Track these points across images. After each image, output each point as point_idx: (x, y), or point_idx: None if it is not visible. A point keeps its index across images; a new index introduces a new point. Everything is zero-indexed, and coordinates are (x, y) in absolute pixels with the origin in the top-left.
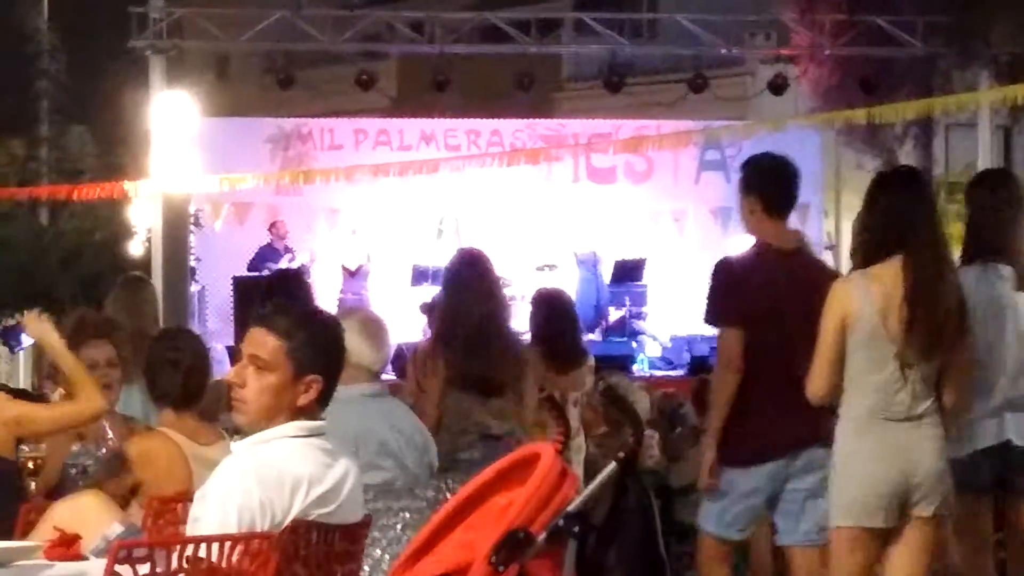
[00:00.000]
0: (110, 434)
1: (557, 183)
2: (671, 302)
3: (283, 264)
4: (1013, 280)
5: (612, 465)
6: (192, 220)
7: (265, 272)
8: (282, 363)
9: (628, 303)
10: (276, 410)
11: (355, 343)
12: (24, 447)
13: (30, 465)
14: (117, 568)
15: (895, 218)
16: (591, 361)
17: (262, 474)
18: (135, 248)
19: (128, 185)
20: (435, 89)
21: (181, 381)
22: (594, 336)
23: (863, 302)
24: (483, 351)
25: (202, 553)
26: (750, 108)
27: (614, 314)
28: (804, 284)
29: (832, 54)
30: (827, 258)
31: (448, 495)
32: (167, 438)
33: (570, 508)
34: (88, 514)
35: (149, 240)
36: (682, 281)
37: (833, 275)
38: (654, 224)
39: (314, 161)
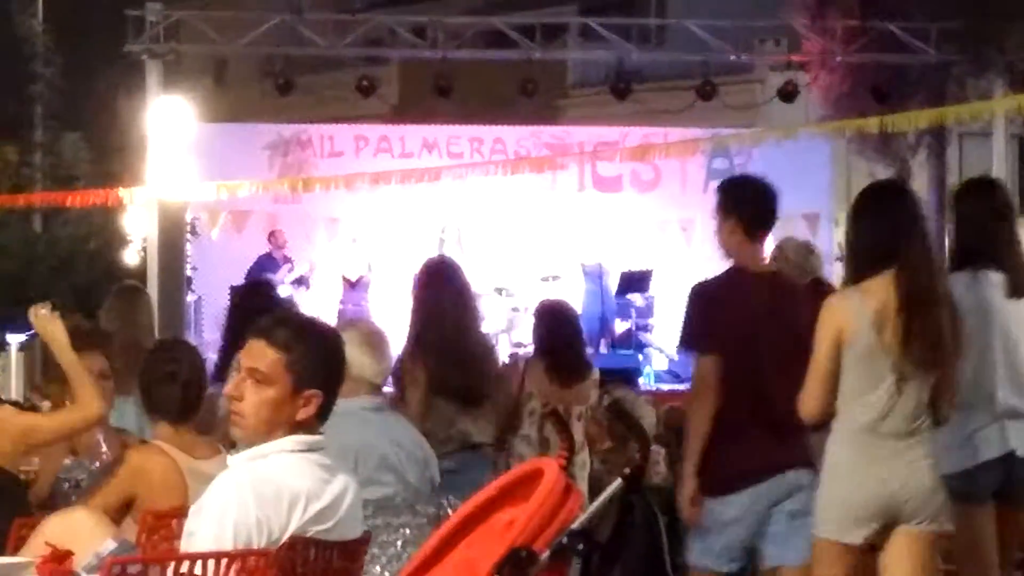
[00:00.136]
0: (104, 447)
1: (562, 192)
2: (679, 314)
3: (282, 274)
4: (1004, 286)
5: (618, 482)
6: (188, 228)
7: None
8: (281, 376)
9: (634, 315)
10: (274, 424)
11: (356, 355)
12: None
13: (22, 478)
14: None
15: (885, 231)
16: (596, 374)
17: (259, 490)
18: (130, 257)
19: (123, 192)
20: (437, 95)
21: (178, 394)
22: (600, 349)
23: (858, 318)
24: (461, 360)
25: (197, 570)
26: (760, 116)
27: (620, 326)
28: (781, 307)
29: (843, 61)
30: (837, 269)
31: (449, 511)
32: (162, 452)
33: (574, 526)
34: (80, 529)
35: (144, 248)
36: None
37: (808, 296)
38: (661, 234)
39: (314, 168)
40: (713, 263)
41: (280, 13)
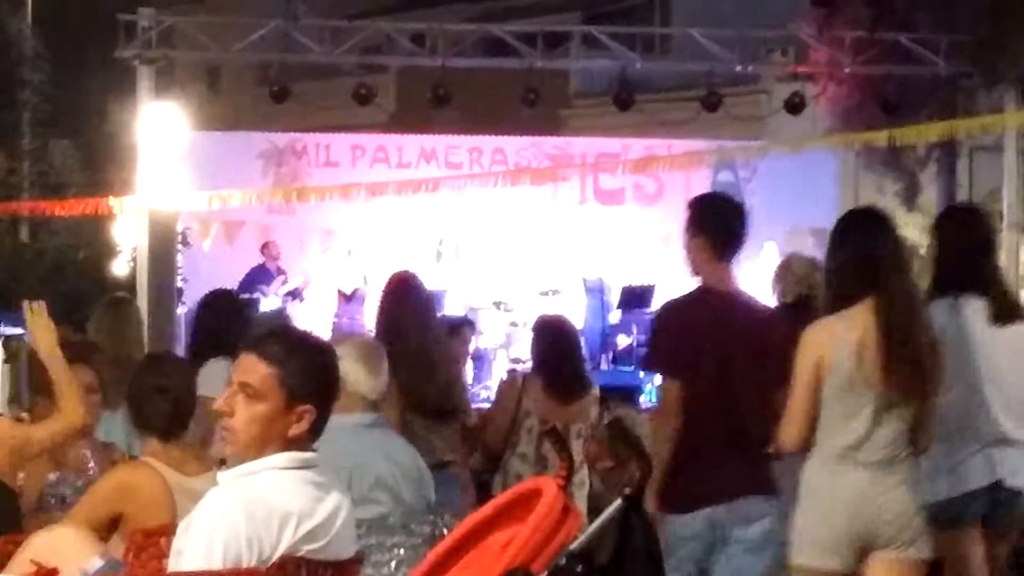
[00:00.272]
0: (91, 463)
1: (563, 204)
2: None
3: (276, 286)
4: (985, 313)
5: (617, 502)
6: (180, 239)
7: (257, 295)
8: (273, 391)
9: (636, 331)
10: (266, 440)
11: (351, 370)
12: None
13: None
14: None
15: (864, 259)
16: (596, 391)
17: (250, 508)
18: (120, 267)
19: (113, 201)
20: (436, 104)
21: (168, 410)
22: (601, 365)
23: (838, 347)
24: (432, 375)
25: None
26: (765, 128)
27: (622, 342)
28: (747, 328)
29: (852, 72)
30: None
31: (444, 531)
32: (151, 469)
33: (573, 547)
34: (67, 547)
35: (134, 259)
36: None
37: (775, 318)
38: (664, 248)
39: (308, 178)
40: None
41: (275, 19)
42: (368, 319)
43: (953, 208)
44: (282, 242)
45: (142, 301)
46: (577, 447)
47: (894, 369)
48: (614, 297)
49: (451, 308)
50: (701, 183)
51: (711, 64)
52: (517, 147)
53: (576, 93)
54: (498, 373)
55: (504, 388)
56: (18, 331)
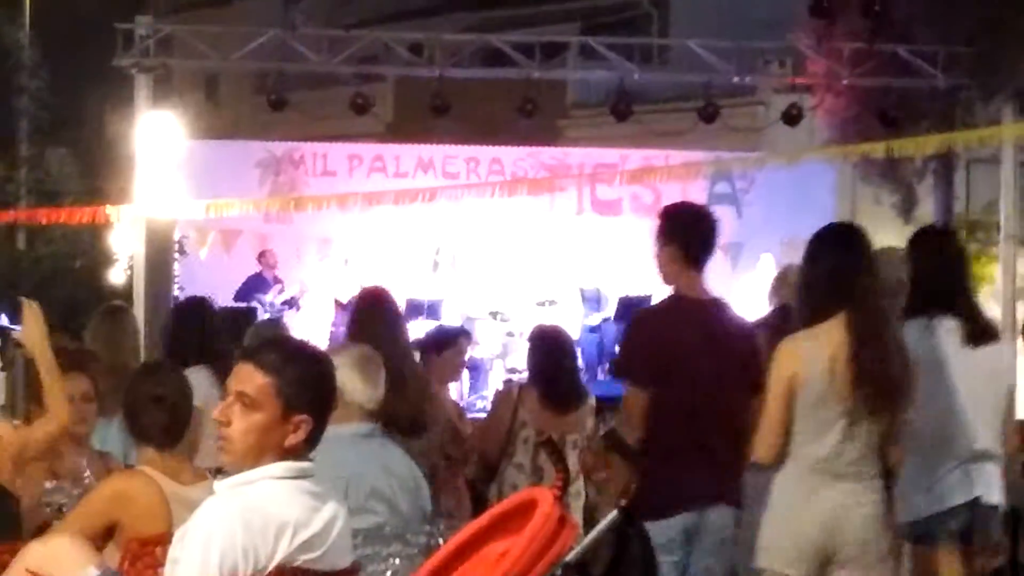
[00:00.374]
0: (87, 472)
1: (560, 215)
2: None
3: (272, 295)
4: (960, 333)
5: (614, 513)
6: (177, 247)
7: (254, 304)
8: (270, 401)
9: None
10: (263, 450)
11: (349, 380)
12: None
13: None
14: None
15: (836, 275)
16: (592, 402)
17: (246, 517)
18: (116, 276)
19: (110, 209)
20: (433, 114)
21: (164, 419)
22: (598, 376)
23: (810, 362)
24: (403, 391)
25: None
26: (763, 139)
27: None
28: (718, 336)
29: (850, 84)
30: None
31: (440, 541)
32: (147, 477)
33: (569, 558)
34: (62, 556)
35: (131, 268)
36: None
37: (748, 327)
38: None
39: (306, 187)
40: (713, 287)
41: (273, 28)
42: None
43: (925, 229)
44: (279, 251)
45: (139, 310)
46: (573, 458)
47: (864, 384)
48: (611, 307)
49: (447, 318)
50: (698, 194)
51: (709, 75)
52: (514, 157)
53: (574, 104)
54: (494, 383)
55: (500, 398)
56: (14, 328)
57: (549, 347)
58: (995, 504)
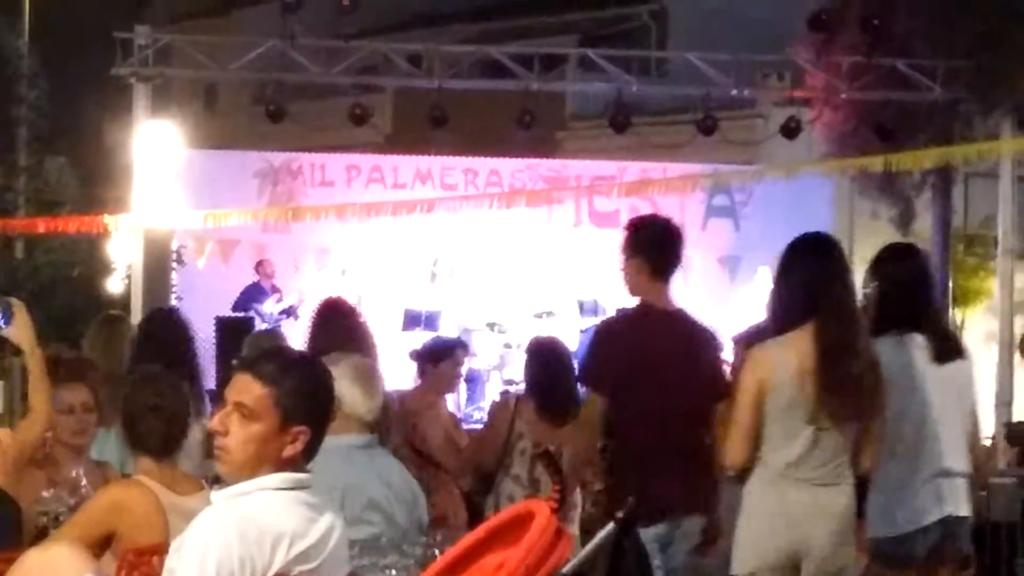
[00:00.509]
0: (84, 481)
1: (558, 226)
2: None
3: (270, 304)
4: (929, 350)
5: (610, 525)
6: (174, 257)
7: (252, 313)
8: (268, 412)
9: None
10: (260, 461)
11: (348, 391)
12: None
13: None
14: None
15: (808, 285)
16: None
17: (243, 528)
18: (114, 285)
19: (108, 219)
20: (432, 125)
21: (162, 428)
22: None
23: (780, 368)
24: None
25: None
26: (761, 152)
27: None
28: (682, 347)
29: (848, 98)
30: None
31: (437, 552)
32: (144, 487)
33: (565, 570)
34: (60, 565)
35: (129, 277)
36: None
37: (713, 337)
38: None
39: (304, 198)
40: (711, 303)
41: (272, 38)
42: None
43: (891, 247)
44: (277, 261)
45: (136, 319)
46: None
47: (831, 392)
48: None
49: (445, 329)
50: (696, 207)
51: (707, 88)
52: (512, 169)
53: (572, 115)
54: (491, 395)
55: (497, 410)
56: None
57: (546, 359)
58: (964, 516)
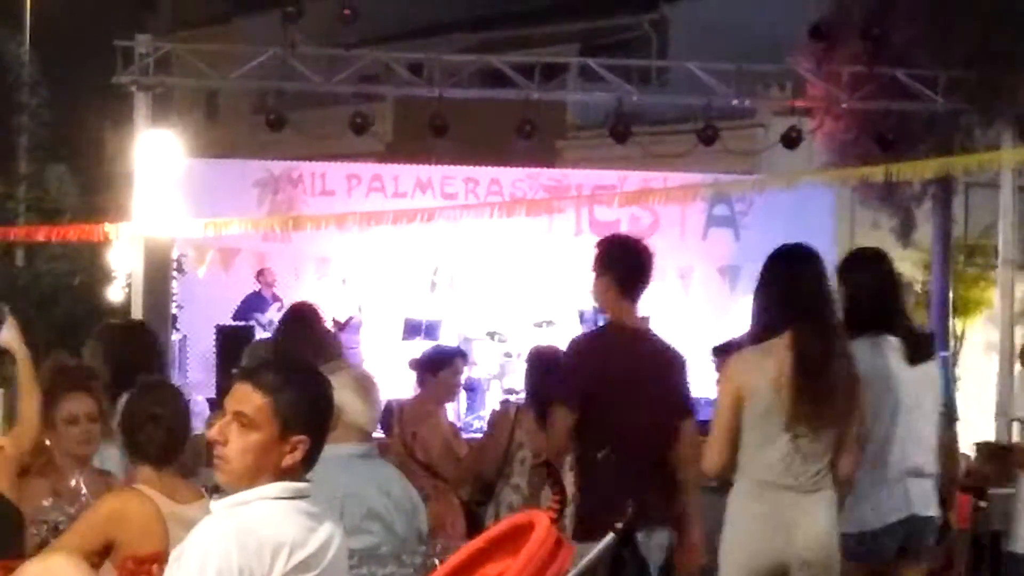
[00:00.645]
0: (84, 490)
1: (558, 235)
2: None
3: (271, 313)
4: (901, 352)
5: (610, 536)
6: (175, 265)
7: (252, 322)
8: (267, 421)
9: None
10: (259, 470)
11: (350, 401)
12: None
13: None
14: None
15: (787, 294)
16: None
17: (242, 538)
18: (114, 293)
19: (109, 227)
20: (432, 134)
21: (163, 438)
22: None
23: (758, 376)
24: None
25: None
26: (762, 162)
27: None
28: (649, 364)
29: (849, 108)
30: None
31: (436, 562)
32: (144, 496)
33: None
34: (58, 574)
35: (129, 285)
36: (687, 341)
37: (678, 356)
38: (658, 281)
39: (304, 206)
40: (712, 312)
41: (273, 47)
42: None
43: (857, 253)
44: (277, 270)
45: None
46: (570, 479)
47: (805, 401)
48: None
49: (445, 338)
50: (697, 216)
51: (708, 97)
52: (513, 178)
53: (573, 125)
54: (491, 404)
55: (497, 419)
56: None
57: (547, 368)
58: (930, 516)
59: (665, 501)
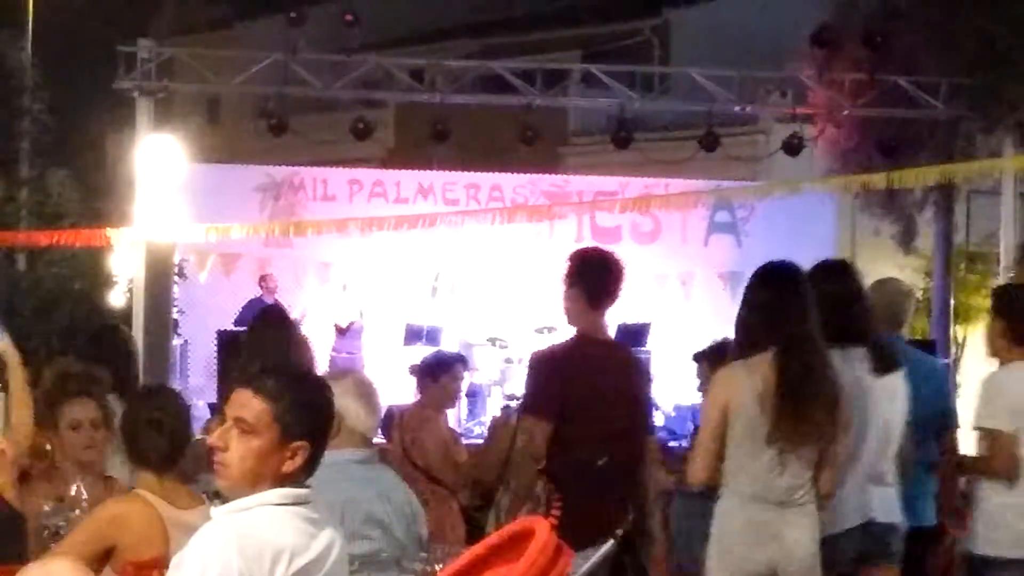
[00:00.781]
0: (84, 495)
1: (559, 241)
2: (676, 369)
3: None
4: (868, 363)
5: (610, 542)
6: (176, 270)
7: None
8: (268, 427)
9: None
10: (260, 476)
11: (351, 407)
12: None
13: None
14: None
15: (771, 312)
16: None
17: (242, 544)
18: (116, 298)
19: (110, 232)
20: (434, 140)
21: (164, 443)
22: None
23: (743, 392)
24: None
25: None
26: (763, 169)
27: None
28: (617, 376)
29: (851, 115)
30: None
31: (437, 567)
32: (144, 501)
33: None
34: None
35: (131, 290)
36: (688, 348)
37: (645, 367)
38: (660, 287)
39: (305, 212)
40: (713, 318)
41: (275, 52)
42: (365, 353)
43: (825, 264)
44: (279, 275)
45: (138, 333)
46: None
47: (786, 417)
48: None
49: (446, 344)
50: (698, 222)
51: (710, 104)
52: (514, 184)
53: (574, 131)
54: (492, 410)
55: (498, 425)
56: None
57: None
58: (892, 523)
59: (638, 512)
